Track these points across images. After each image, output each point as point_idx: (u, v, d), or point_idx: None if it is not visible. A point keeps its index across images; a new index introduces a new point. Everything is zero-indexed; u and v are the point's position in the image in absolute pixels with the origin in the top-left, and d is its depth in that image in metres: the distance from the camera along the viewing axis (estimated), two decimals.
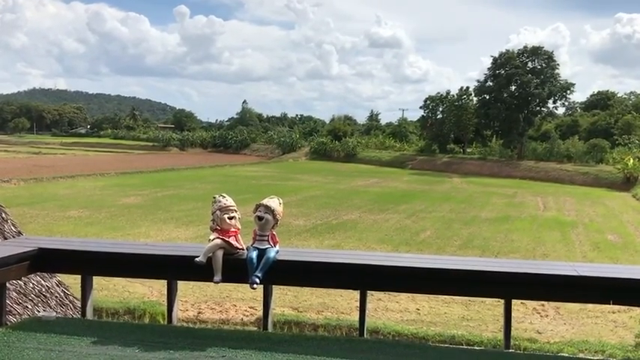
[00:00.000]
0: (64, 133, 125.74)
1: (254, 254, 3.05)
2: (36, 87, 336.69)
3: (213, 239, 3.11)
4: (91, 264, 3.44)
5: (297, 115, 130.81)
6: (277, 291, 3.66)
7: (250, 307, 11.76)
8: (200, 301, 12.13)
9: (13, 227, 5.31)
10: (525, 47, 60.47)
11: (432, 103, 68.59)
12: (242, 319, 11.30)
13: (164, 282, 3.50)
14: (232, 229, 3.15)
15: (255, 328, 9.13)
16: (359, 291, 3.34)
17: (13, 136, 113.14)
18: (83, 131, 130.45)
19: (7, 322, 3.28)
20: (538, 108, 60.05)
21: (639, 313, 11.55)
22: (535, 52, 59.64)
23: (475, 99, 64.43)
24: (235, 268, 3.10)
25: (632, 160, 44.97)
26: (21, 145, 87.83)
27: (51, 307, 5.04)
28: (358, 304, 3.36)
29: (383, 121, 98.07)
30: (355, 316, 7.63)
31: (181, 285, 3.57)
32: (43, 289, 5.17)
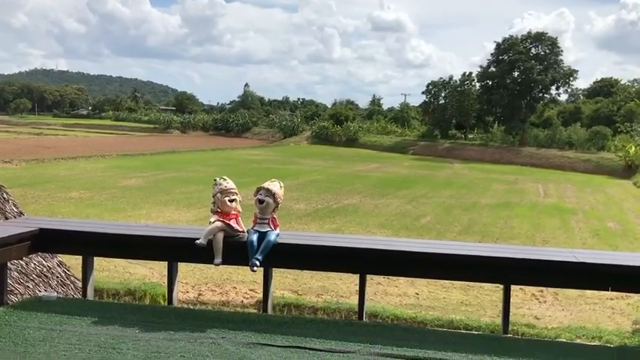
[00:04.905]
0: (65, 114, 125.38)
1: (254, 237, 3.06)
2: (37, 67, 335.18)
3: (214, 221, 3.11)
4: (92, 245, 3.45)
5: (298, 99, 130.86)
6: (277, 274, 3.68)
7: (250, 290, 11.83)
8: (200, 283, 12.20)
9: (14, 207, 5.31)
10: (529, 33, 59.98)
11: (435, 88, 68.18)
12: (242, 301, 11.38)
13: (165, 264, 3.51)
14: (233, 212, 3.16)
15: (255, 311, 9.19)
16: (358, 275, 3.36)
17: (14, 117, 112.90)
18: (84, 112, 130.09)
19: (8, 302, 3.30)
20: (541, 94, 59.69)
21: (637, 300, 11.62)
22: (539, 37, 59.16)
23: (478, 85, 64.03)
24: (236, 251, 3.11)
25: (633, 148, 44.82)
26: (22, 125, 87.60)
27: (52, 287, 5.08)
28: (357, 287, 3.37)
29: (385, 106, 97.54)
30: (354, 300, 7.67)
31: (182, 267, 3.58)
32: (45, 270, 5.20)
